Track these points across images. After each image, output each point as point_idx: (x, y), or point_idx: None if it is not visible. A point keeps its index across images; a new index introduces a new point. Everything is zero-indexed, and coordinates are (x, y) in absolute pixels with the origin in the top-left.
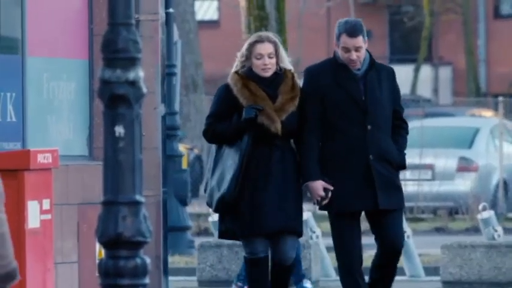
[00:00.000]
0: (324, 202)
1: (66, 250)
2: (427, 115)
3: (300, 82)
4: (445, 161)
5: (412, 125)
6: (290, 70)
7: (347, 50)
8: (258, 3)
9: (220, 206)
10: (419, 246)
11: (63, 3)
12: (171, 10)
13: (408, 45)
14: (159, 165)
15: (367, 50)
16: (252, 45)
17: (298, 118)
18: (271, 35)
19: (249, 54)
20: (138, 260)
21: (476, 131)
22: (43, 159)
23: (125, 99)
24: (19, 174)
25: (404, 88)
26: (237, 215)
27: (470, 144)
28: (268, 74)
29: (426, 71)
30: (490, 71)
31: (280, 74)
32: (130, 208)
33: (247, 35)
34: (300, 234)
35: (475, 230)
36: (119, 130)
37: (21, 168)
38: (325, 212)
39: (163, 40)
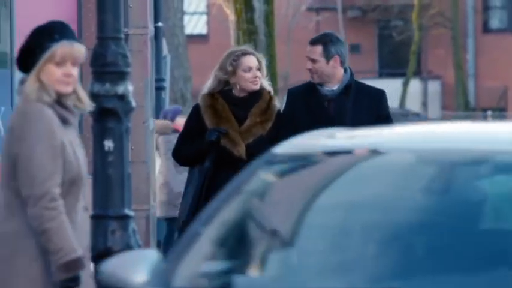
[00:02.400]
0: None
1: None
2: None
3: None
4: None
5: None
6: (269, 92)
7: (307, 59)
8: (247, 17)
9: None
10: None
11: (52, 17)
12: (160, 24)
13: (397, 59)
14: (148, 179)
15: (349, 69)
16: (238, 58)
17: (271, 143)
18: (250, 48)
19: (233, 70)
20: None
21: None
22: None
23: (113, 113)
24: None
25: (393, 102)
26: None
27: None
28: (257, 86)
29: (415, 85)
30: (478, 85)
31: (257, 94)
32: (119, 222)
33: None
34: None
35: None
36: (108, 144)
37: None
38: None
39: (152, 54)
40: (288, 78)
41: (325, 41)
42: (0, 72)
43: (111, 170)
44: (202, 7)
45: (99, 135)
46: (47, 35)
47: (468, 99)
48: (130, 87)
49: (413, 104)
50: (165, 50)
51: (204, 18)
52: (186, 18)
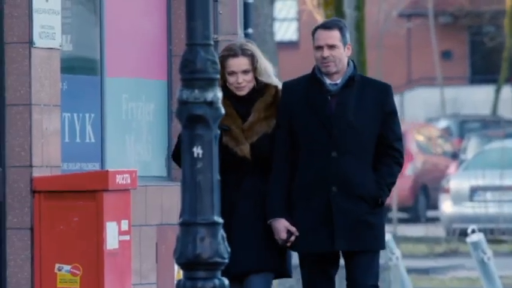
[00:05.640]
0: (287, 244)
1: (145, 271)
2: (508, 136)
3: None
4: None
5: (493, 146)
6: (275, 86)
7: (319, 47)
8: None
9: None
10: (500, 268)
11: (142, 24)
12: (250, 31)
13: (489, 65)
14: None
15: (352, 62)
16: (224, 59)
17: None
18: (246, 44)
19: (221, 69)
20: (217, 281)
21: None
22: (122, 180)
23: (203, 119)
24: (98, 195)
25: (485, 109)
26: None
27: None
28: (244, 92)
29: (507, 91)
30: None
31: (261, 88)
32: (209, 229)
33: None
34: (279, 272)
35: None
36: (197, 151)
37: (100, 189)
38: (406, 233)
39: None
40: None
41: (341, 26)
42: (90, 79)
43: (200, 176)
44: (293, 13)
45: (188, 142)
46: None
47: None
48: (219, 94)
49: (505, 110)
50: None
51: (295, 24)
52: (277, 24)
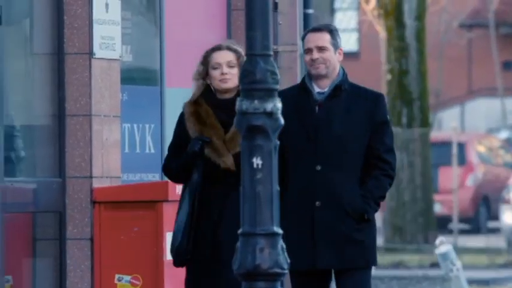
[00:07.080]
0: None
1: None
2: None
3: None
4: None
5: None
6: None
7: (308, 50)
8: (398, 34)
9: (177, 260)
10: None
11: (202, 34)
12: None
13: None
14: None
15: (342, 69)
16: (208, 55)
17: None
18: (233, 43)
19: (205, 69)
20: None
21: None
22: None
23: (262, 130)
24: (157, 205)
25: None
26: (190, 270)
27: None
28: (228, 85)
29: None
30: None
31: None
32: (268, 240)
33: (387, 65)
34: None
35: None
36: (257, 161)
37: (160, 200)
38: (467, 244)
39: (301, 71)
40: (440, 95)
41: (331, 29)
42: (150, 90)
43: (259, 187)
44: (353, 24)
45: (248, 153)
46: None
47: None
48: (279, 105)
49: None
50: None
51: (355, 35)
52: None
